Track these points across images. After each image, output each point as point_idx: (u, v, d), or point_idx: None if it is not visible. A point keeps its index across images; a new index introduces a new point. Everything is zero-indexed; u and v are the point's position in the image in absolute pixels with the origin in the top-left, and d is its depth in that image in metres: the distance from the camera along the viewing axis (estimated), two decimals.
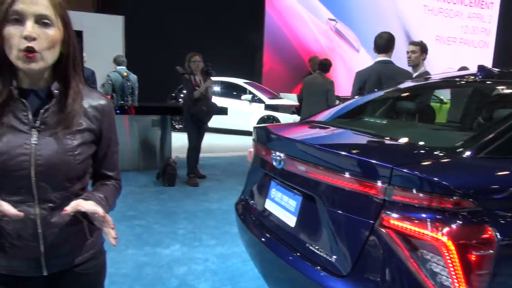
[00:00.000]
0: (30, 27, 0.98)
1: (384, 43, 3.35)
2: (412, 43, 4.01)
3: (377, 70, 3.29)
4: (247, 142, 8.98)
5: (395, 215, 1.36)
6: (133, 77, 6.58)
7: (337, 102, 5.45)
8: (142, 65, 8.54)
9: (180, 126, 9.56)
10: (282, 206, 1.95)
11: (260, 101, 9.70)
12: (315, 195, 1.68)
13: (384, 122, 2.38)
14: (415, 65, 3.94)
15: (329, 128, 2.16)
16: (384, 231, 1.38)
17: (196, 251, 3.31)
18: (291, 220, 1.85)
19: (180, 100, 9.69)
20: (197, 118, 5.19)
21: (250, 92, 9.79)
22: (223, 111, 5.79)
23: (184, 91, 9.38)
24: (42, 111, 1.07)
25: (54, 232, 1.08)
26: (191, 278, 2.89)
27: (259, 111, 9.64)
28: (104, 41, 9.16)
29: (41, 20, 1.00)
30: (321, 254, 1.62)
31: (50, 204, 1.07)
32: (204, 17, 12.08)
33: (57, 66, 1.08)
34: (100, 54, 8.41)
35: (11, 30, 0.98)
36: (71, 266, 1.15)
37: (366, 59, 13.78)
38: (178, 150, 6.48)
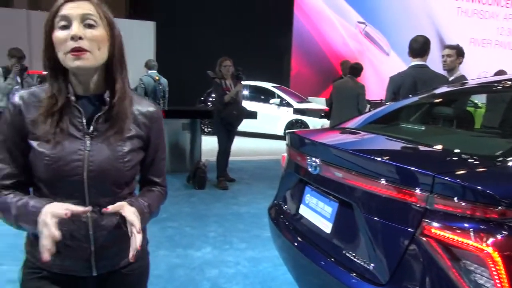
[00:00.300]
0: (75, 27, 1.03)
1: (420, 47, 3.29)
2: (448, 46, 3.92)
3: (412, 74, 3.23)
4: (275, 146, 9.08)
5: (436, 224, 1.33)
6: (164, 81, 6.72)
7: (368, 106, 5.38)
8: (171, 69, 8.73)
9: (209, 129, 9.68)
10: (317, 212, 1.94)
11: (288, 105, 9.70)
12: (352, 202, 1.67)
13: (422, 128, 2.33)
14: (451, 69, 3.84)
15: (365, 134, 2.14)
16: (425, 240, 1.36)
17: (227, 254, 3.34)
18: (326, 226, 1.85)
19: (208, 103, 9.82)
20: (227, 122, 5.25)
21: (278, 96, 9.81)
22: (252, 115, 5.83)
23: (214, 95, 9.59)
24: (95, 118, 1.10)
25: (103, 234, 1.12)
26: (223, 281, 2.91)
27: (287, 115, 9.63)
28: (136, 46, 9.40)
29: (86, 21, 1.04)
30: (359, 261, 1.60)
31: (100, 208, 1.11)
32: (233, 22, 12.20)
33: (106, 69, 1.11)
34: (132, 59, 8.61)
35: (60, 35, 1.03)
36: (118, 267, 1.19)
37: (397, 62, 13.57)
38: (207, 154, 6.56)
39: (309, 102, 10.43)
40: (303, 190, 2.11)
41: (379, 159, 1.59)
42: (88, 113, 1.11)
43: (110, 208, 1.08)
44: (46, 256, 0.97)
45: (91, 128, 1.10)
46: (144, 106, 1.20)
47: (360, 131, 2.20)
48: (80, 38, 1.02)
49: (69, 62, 1.04)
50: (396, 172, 1.49)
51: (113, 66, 1.12)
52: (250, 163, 7.08)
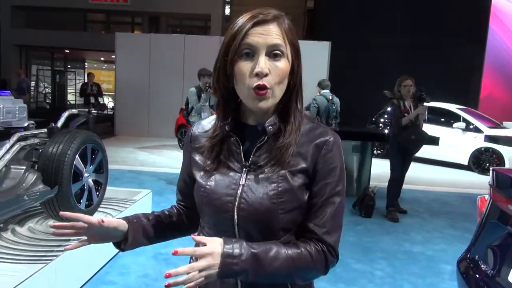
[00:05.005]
0: (262, 62, 0.89)
1: None
2: None
3: None
4: (457, 176, 7.91)
5: None
6: (336, 100, 6.57)
7: None
8: (342, 89, 8.54)
9: (378, 151, 9.09)
10: None
11: (476, 130, 8.34)
12: None
13: None
14: None
15: None
16: None
17: None
18: None
19: (380, 125, 9.25)
20: (403, 147, 4.74)
21: (464, 120, 8.54)
22: (434, 141, 5.13)
23: (386, 116, 9.02)
24: (255, 149, 0.96)
25: (253, 284, 0.93)
26: None
27: (474, 141, 8.30)
28: (310, 66, 9.56)
29: (272, 52, 0.90)
30: None
31: None
32: (413, 36, 11.35)
33: (281, 98, 0.96)
34: (304, 79, 8.79)
35: (242, 66, 0.90)
36: None
37: None
38: (376, 178, 6.10)
39: (504, 128, 8.78)
40: None
41: None
42: (250, 143, 0.97)
43: (179, 250, 0.81)
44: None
45: (249, 161, 0.95)
46: (315, 134, 0.97)
47: None
48: (266, 75, 0.89)
49: (249, 101, 0.92)
50: None
51: (291, 96, 0.96)
52: (425, 194, 6.29)
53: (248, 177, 0.94)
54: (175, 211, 1.12)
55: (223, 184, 0.95)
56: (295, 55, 0.95)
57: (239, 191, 0.93)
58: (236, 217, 0.93)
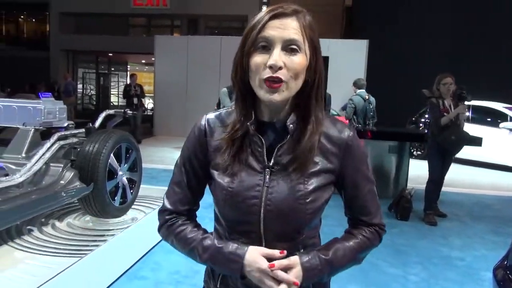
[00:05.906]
0: (276, 55, 0.88)
1: None
2: None
3: None
4: (502, 179, 7.47)
5: None
6: (373, 99, 6.44)
7: None
8: (381, 87, 8.33)
9: (418, 152, 8.79)
10: None
11: None
12: None
13: None
14: None
15: None
16: None
17: None
18: None
19: (420, 125, 8.95)
20: (443, 148, 4.55)
21: None
22: (476, 141, 4.89)
23: (427, 116, 8.70)
24: (276, 148, 0.95)
25: None
26: None
27: None
28: (347, 65, 9.42)
29: (288, 46, 0.89)
30: None
31: None
32: (456, 33, 10.87)
33: (298, 95, 0.95)
34: (341, 78, 8.68)
35: (257, 58, 0.90)
36: None
37: None
38: (414, 180, 5.89)
39: None
40: None
41: None
42: (271, 142, 0.96)
43: (277, 265, 0.91)
44: None
45: (272, 161, 0.95)
46: (335, 132, 0.98)
47: None
48: (280, 68, 0.89)
49: (262, 92, 0.91)
50: None
51: (310, 93, 0.95)
52: (467, 197, 6.00)
53: (272, 178, 0.95)
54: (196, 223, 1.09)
55: (246, 185, 0.95)
56: (313, 52, 0.94)
57: (264, 193, 0.94)
58: (262, 219, 0.94)
